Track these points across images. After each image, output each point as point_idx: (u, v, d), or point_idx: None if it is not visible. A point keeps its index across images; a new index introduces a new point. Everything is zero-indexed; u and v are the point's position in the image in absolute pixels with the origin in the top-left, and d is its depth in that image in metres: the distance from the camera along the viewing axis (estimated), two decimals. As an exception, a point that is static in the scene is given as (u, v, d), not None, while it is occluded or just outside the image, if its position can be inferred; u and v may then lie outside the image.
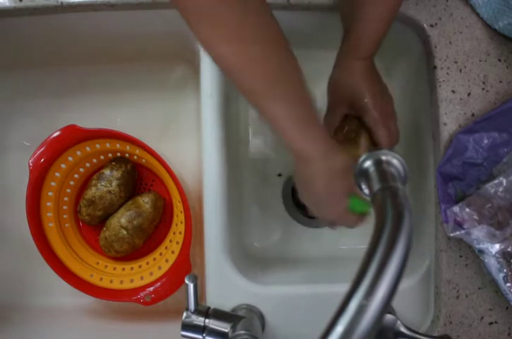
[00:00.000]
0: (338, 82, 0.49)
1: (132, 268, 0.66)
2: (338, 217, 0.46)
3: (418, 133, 0.58)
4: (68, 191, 0.68)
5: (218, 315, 0.46)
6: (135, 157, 0.67)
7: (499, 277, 0.49)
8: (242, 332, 0.44)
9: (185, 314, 0.46)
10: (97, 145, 0.65)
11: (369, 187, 0.39)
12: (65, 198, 0.68)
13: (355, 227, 0.48)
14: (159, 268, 0.64)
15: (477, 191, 0.49)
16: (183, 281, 0.44)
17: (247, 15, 0.33)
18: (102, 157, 0.68)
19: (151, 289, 0.62)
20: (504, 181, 0.48)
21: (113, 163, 0.67)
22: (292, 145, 0.41)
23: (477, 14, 0.52)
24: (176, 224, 0.64)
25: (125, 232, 0.64)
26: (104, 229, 0.66)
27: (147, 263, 0.66)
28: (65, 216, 0.67)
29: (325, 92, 0.51)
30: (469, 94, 0.52)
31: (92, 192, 0.65)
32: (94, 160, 0.68)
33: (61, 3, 0.52)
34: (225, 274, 0.52)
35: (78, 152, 0.65)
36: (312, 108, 0.40)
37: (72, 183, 0.68)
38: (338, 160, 0.41)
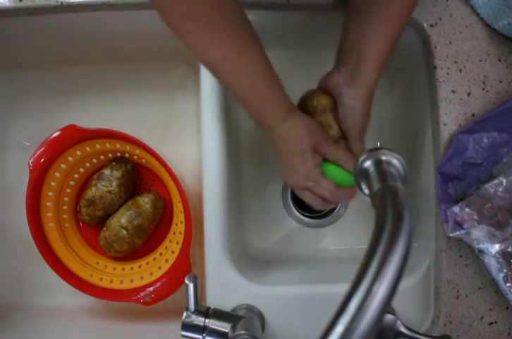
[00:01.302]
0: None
1: (132, 268, 0.66)
2: (310, 182, 0.45)
3: (418, 133, 0.58)
4: (68, 191, 0.68)
5: (218, 315, 0.46)
6: (135, 157, 0.67)
7: (499, 277, 0.49)
8: (242, 332, 0.44)
9: (185, 314, 0.46)
10: (97, 145, 0.65)
11: (369, 187, 0.39)
12: (65, 198, 0.68)
13: (332, 201, 0.46)
14: (159, 268, 0.64)
15: (477, 191, 0.49)
16: (183, 281, 0.44)
17: None
18: (102, 157, 0.68)
19: (151, 289, 0.62)
20: (504, 181, 0.48)
21: (113, 163, 0.67)
22: (255, 117, 0.44)
23: (477, 14, 0.52)
24: (176, 224, 0.64)
25: (125, 232, 0.64)
26: (104, 229, 0.66)
27: (147, 263, 0.66)
28: (65, 216, 0.67)
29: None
30: (469, 94, 0.52)
31: (92, 192, 0.65)
32: (94, 160, 0.68)
33: (61, 3, 0.52)
34: (225, 274, 0.52)
35: (78, 152, 0.65)
36: (272, 78, 0.43)
37: (72, 183, 0.68)
38: (296, 123, 0.44)
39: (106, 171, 0.66)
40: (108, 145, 0.65)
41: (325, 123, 0.47)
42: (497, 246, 0.49)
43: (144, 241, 0.68)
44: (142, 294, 0.62)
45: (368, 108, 0.46)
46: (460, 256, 0.52)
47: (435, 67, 0.52)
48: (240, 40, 0.40)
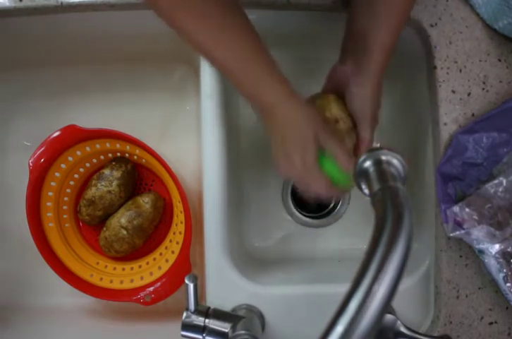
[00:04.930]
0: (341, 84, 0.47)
1: (132, 268, 0.66)
2: (305, 176, 0.42)
3: (418, 133, 0.58)
4: (68, 191, 0.68)
5: (218, 315, 0.46)
6: (135, 157, 0.67)
7: (499, 277, 0.49)
8: (242, 332, 0.44)
9: (185, 314, 0.46)
10: (97, 145, 0.65)
11: (369, 187, 0.39)
12: (65, 198, 0.68)
13: (323, 195, 0.43)
14: (159, 268, 0.64)
15: (477, 191, 0.49)
16: (183, 281, 0.44)
17: None
18: (102, 157, 0.68)
19: (151, 289, 0.62)
20: (504, 181, 0.48)
21: (113, 163, 0.67)
22: (248, 94, 0.41)
23: (477, 14, 0.52)
24: (176, 224, 0.64)
25: (125, 232, 0.64)
26: (104, 229, 0.66)
27: (147, 263, 0.66)
28: (65, 216, 0.67)
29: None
30: (469, 94, 0.52)
31: (92, 192, 0.65)
32: (94, 160, 0.68)
33: (61, 3, 0.52)
34: (225, 274, 0.52)
35: (78, 152, 0.65)
36: (264, 55, 0.40)
37: (72, 183, 0.68)
38: (298, 106, 0.41)
39: (106, 171, 0.66)
40: (108, 145, 0.65)
41: (333, 116, 0.45)
42: (497, 246, 0.49)
43: (144, 241, 0.68)
44: (142, 294, 0.62)
45: (378, 95, 0.44)
46: (460, 256, 0.52)
47: (435, 67, 0.52)
48: (225, 17, 0.38)
